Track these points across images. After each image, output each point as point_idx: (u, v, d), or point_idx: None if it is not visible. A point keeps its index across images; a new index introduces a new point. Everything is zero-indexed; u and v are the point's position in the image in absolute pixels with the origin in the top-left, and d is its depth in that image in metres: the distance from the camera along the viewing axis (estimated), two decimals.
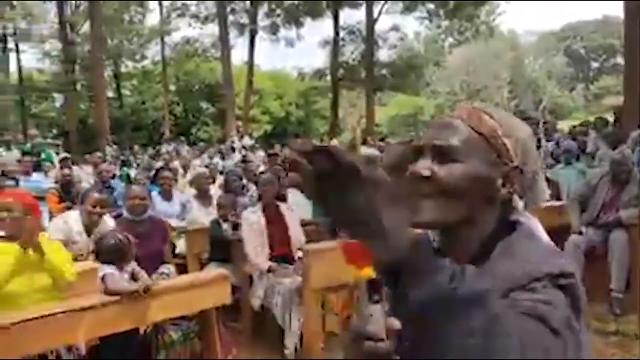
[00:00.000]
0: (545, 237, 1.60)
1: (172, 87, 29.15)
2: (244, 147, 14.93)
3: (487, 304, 0.74)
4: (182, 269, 5.02)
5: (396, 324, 0.76)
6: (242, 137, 16.22)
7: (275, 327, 4.15)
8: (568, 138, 8.96)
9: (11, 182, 6.50)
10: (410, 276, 0.75)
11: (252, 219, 4.41)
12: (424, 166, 0.93)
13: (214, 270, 3.83)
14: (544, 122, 12.14)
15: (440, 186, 0.91)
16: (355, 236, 0.76)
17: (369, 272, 0.78)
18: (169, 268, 4.23)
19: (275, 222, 4.43)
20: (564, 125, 13.55)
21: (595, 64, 48.63)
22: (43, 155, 10.35)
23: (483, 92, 34.45)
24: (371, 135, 18.62)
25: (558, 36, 48.28)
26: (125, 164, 11.21)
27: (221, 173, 8.71)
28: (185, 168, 9.96)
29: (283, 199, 4.87)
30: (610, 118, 9.14)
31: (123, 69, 29.56)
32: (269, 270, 4.17)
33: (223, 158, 13.46)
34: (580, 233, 5.00)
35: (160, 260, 4.26)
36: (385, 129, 33.04)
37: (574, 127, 10.11)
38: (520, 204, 1.04)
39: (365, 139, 16.79)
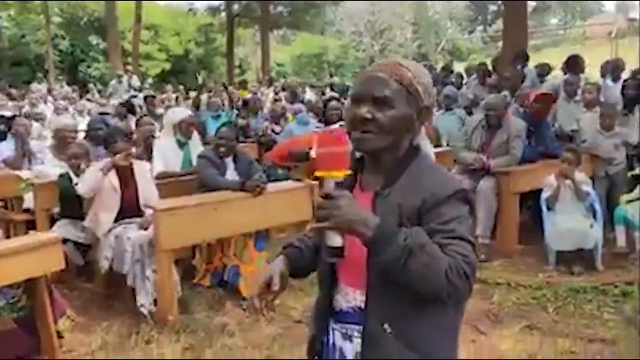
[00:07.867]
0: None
1: (57, 20, 26.63)
2: (131, 87, 13.92)
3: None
4: (31, 226, 4.55)
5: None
6: (131, 76, 15.12)
7: (128, 287, 3.85)
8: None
9: None
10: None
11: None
12: (365, 110, 1.32)
13: (44, 234, 3.40)
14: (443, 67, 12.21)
15: (379, 126, 1.31)
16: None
17: (337, 174, 1.46)
18: None
19: (127, 184, 4.07)
20: (461, 67, 13.60)
21: (493, 7, 49.71)
22: None
23: (387, 33, 34.46)
24: (266, 75, 18.00)
25: None
26: None
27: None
28: (57, 112, 9.15)
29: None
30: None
31: None
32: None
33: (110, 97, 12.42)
34: None
35: None
36: (289, 68, 32.36)
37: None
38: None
39: (261, 80, 16.27)
